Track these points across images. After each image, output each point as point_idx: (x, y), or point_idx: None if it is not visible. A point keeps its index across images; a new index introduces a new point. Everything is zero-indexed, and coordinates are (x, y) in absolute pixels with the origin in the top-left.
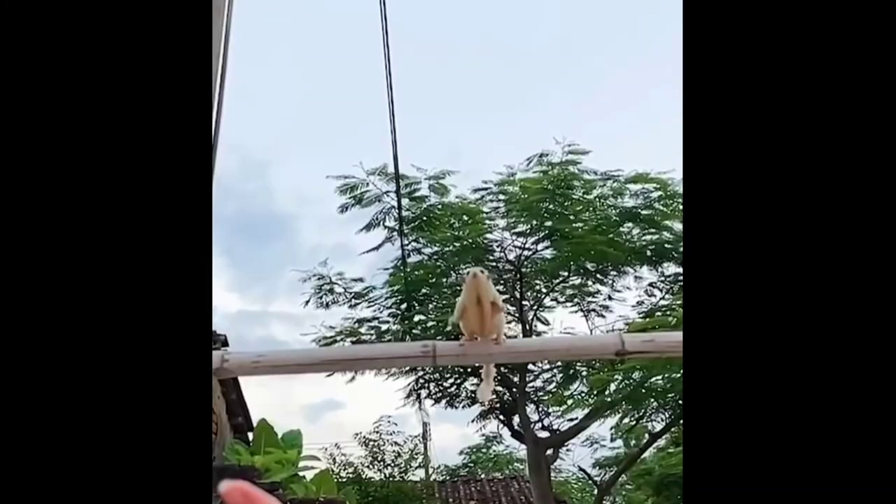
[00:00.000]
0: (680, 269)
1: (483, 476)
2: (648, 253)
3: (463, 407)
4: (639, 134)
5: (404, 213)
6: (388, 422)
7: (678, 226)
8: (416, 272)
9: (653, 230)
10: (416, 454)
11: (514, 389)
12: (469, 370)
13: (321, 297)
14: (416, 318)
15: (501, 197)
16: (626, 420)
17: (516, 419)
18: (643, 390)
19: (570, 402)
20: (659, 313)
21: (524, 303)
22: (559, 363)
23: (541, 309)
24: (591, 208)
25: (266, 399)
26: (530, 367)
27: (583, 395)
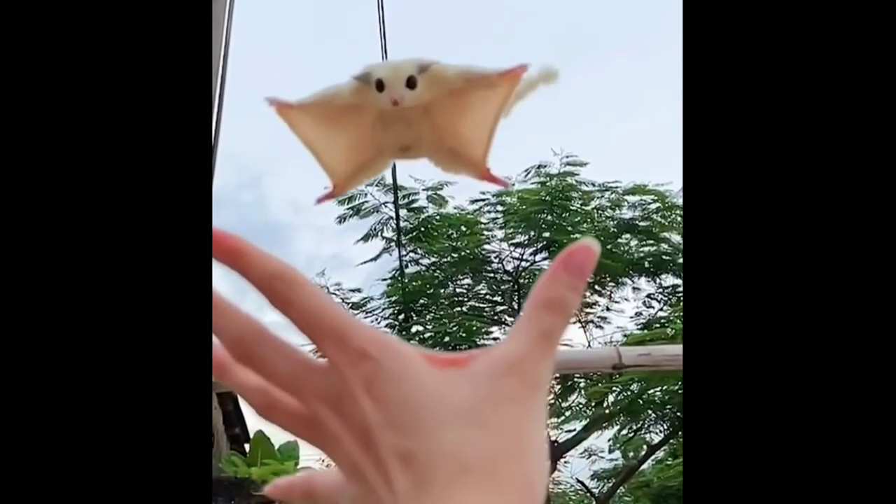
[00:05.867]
0: (678, 281)
1: None
2: (646, 264)
3: None
4: (637, 146)
5: (402, 224)
6: None
7: (676, 237)
8: (414, 283)
9: (651, 242)
10: None
11: None
12: None
13: None
14: (414, 329)
15: (499, 208)
16: (624, 432)
17: None
18: (641, 402)
19: (567, 413)
20: (657, 325)
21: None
22: (557, 375)
23: None
24: (588, 219)
25: None
26: None
27: (581, 406)
